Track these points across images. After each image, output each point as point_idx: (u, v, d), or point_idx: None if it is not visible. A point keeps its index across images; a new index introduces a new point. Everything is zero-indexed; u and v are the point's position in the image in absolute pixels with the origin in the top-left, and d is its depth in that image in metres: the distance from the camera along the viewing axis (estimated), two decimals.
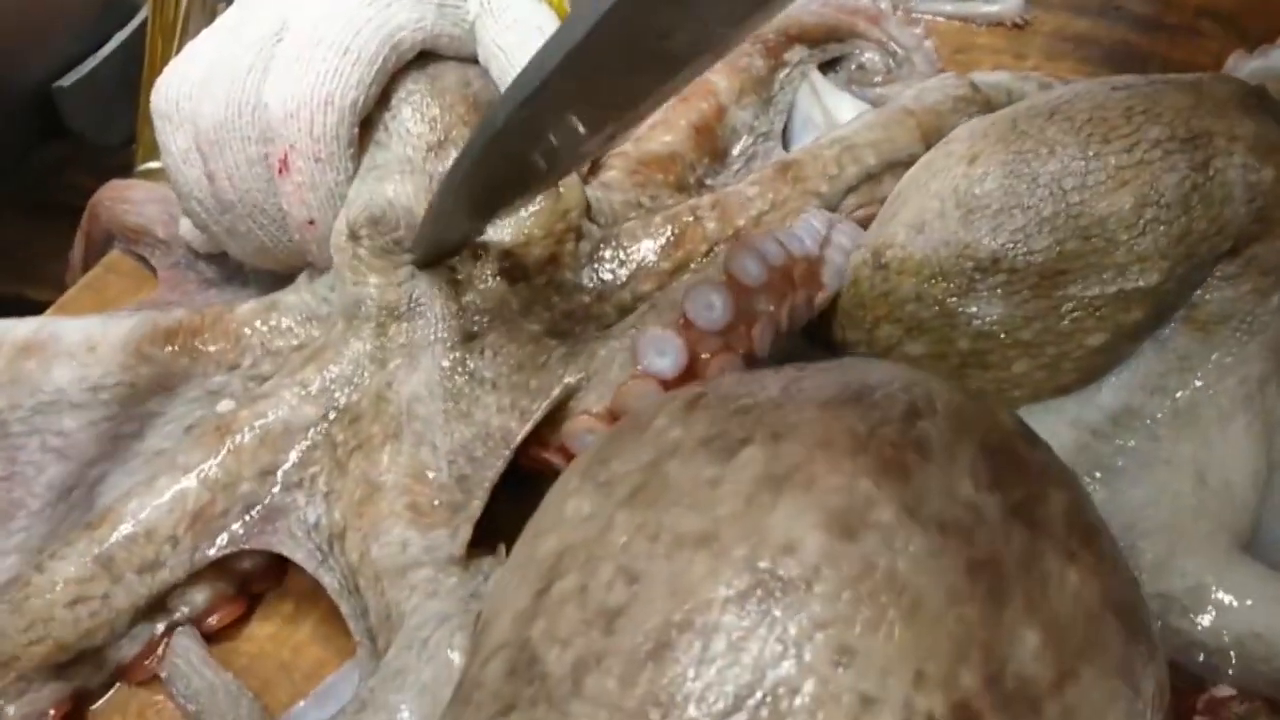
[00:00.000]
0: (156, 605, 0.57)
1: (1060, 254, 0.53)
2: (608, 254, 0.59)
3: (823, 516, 0.34)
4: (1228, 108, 0.53)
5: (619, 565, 0.36)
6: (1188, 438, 0.53)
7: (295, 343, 0.61)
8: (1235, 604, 0.48)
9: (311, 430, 0.57)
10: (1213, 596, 0.49)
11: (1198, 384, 0.54)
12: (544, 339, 0.57)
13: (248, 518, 0.56)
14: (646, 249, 0.60)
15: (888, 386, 0.40)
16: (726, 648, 0.33)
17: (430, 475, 0.55)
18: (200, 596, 0.57)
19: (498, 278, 0.57)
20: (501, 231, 0.57)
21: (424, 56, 0.62)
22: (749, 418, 0.38)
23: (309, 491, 0.56)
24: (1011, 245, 0.53)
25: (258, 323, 0.61)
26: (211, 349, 0.61)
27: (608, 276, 0.59)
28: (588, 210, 0.60)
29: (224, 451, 0.57)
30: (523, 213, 0.57)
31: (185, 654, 0.56)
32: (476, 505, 0.54)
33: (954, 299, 0.55)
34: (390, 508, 0.54)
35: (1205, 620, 0.48)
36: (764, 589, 0.34)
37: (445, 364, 0.56)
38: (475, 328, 0.57)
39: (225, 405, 0.60)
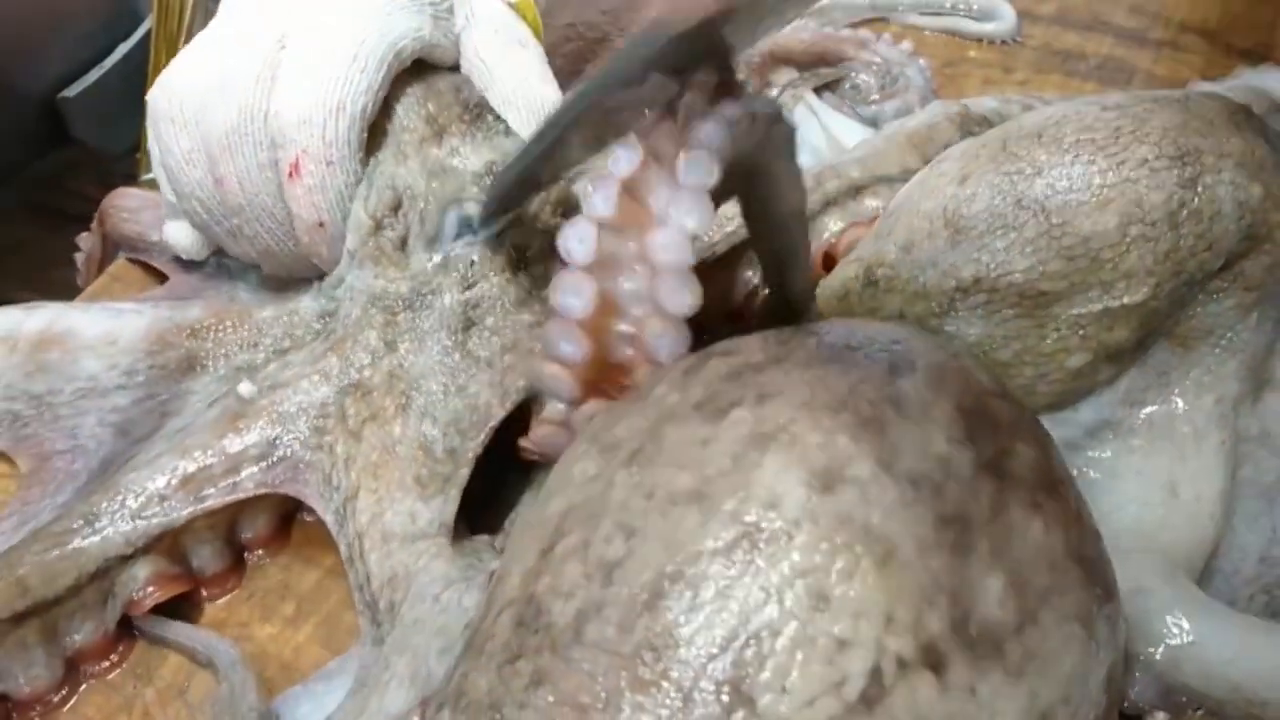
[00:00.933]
0: (106, 586, 0.60)
1: (1042, 275, 0.54)
2: None
3: (804, 473, 0.38)
4: (1215, 125, 0.54)
5: (617, 521, 0.40)
6: (1162, 450, 0.55)
7: (312, 334, 0.65)
8: (1171, 614, 0.50)
9: (326, 404, 0.61)
10: (1151, 600, 0.50)
11: (1175, 400, 0.56)
12: (536, 328, 0.61)
13: (270, 464, 0.61)
14: None
15: (869, 346, 0.44)
16: (714, 595, 0.37)
17: (431, 447, 0.59)
18: (142, 572, 0.60)
19: (504, 270, 0.62)
20: (511, 224, 0.63)
21: (418, 65, 0.67)
22: (739, 381, 0.43)
23: (330, 454, 0.60)
24: (994, 266, 0.54)
25: (278, 325, 0.66)
26: (232, 338, 0.66)
27: None
28: None
29: (234, 434, 0.61)
30: (530, 205, 0.63)
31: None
32: (463, 474, 0.59)
33: (934, 319, 0.57)
34: (401, 478, 0.58)
35: (1141, 625, 0.50)
36: (749, 541, 0.38)
37: (448, 343, 0.61)
38: (476, 315, 0.61)
39: (246, 389, 0.64)
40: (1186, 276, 0.53)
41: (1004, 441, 0.42)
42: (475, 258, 0.62)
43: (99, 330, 0.65)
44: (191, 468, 0.60)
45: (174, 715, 0.59)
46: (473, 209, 0.63)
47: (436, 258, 0.63)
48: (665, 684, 0.36)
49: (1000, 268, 0.55)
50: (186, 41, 0.92)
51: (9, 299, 0.78)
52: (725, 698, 0.36)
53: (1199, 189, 0.53)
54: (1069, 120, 0.56)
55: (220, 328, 0.66)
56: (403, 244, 0.63)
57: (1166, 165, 0.53)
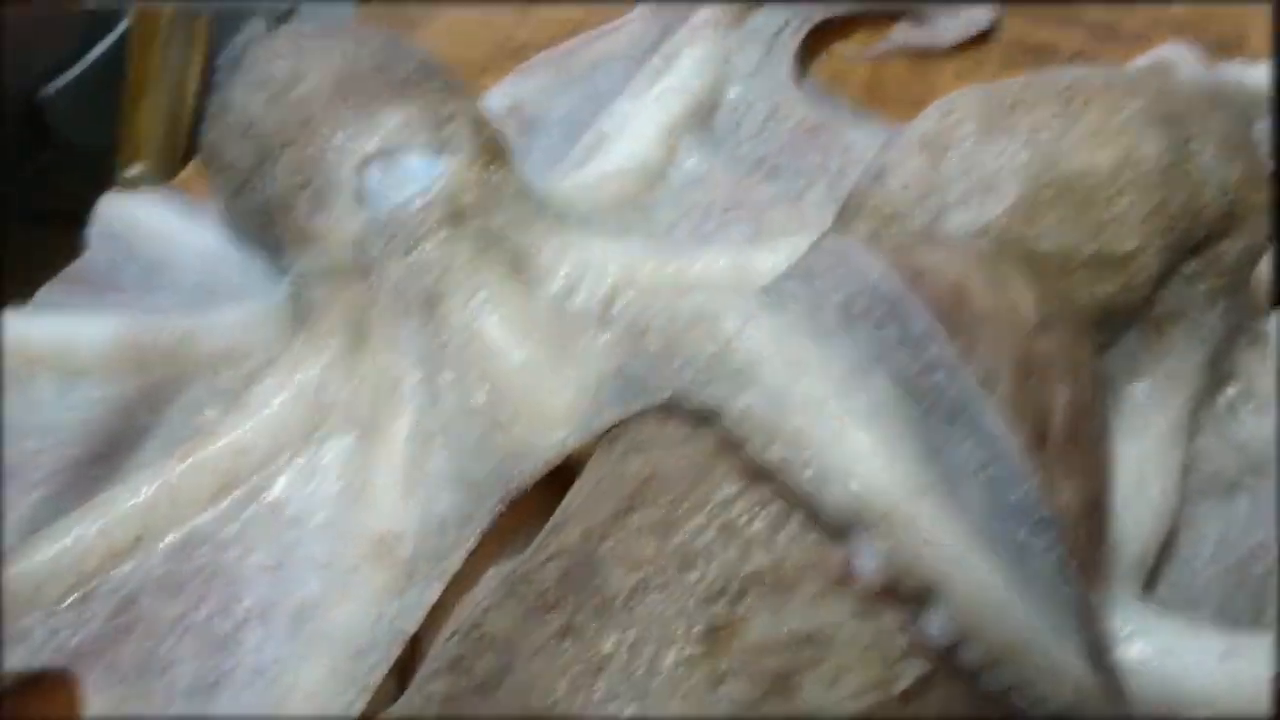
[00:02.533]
0: None
1: (1035, 202, 0.51)
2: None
3: None
4: (1194, 102, 0.54)
5: (712, 514, 0.38)
6: (1130, 442, 0.54)
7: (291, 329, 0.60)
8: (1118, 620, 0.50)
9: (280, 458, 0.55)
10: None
11: (1146, 389, 0.55)
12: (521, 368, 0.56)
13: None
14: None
15: None
16: (807, 600, 0.37)
17: (442, 526, 0.52)
18: None
19: (444, 225, 0.57)
20: (437, 181, 0.58)
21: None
22: None
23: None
24: (983, 178, 0.52)
25: (270, 326, 0.61)
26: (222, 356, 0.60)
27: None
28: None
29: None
30: (452, 161, 0.58)
31: None
32: (456, 559, 0.51)
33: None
34: (389, 581, 0.51)
35: None
36: None
37: (422, 341, 0.55)
38: (430, 285, 0.56)
39: (211, 415, 0.58)
40: (1174, 238, 0.52)
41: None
42: (409, 221, 0.56)
43: (52, 336, 0.59)
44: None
45: None
46: (402, 155, 0.58)
47: (364, 214, 0.56)
48: (707, 660, 0.36)
49: (990, 178, 0.52)
50: (166, 39, 0.91)
51: None
52: (766, 682, 0.36)
53: (1189, 152, 0.52)
54: (1056, 74, 0.55)
55: (209, 338, 0.60)
56: (316, 211, 0.57)
57: (1158, 124, 0.52)
